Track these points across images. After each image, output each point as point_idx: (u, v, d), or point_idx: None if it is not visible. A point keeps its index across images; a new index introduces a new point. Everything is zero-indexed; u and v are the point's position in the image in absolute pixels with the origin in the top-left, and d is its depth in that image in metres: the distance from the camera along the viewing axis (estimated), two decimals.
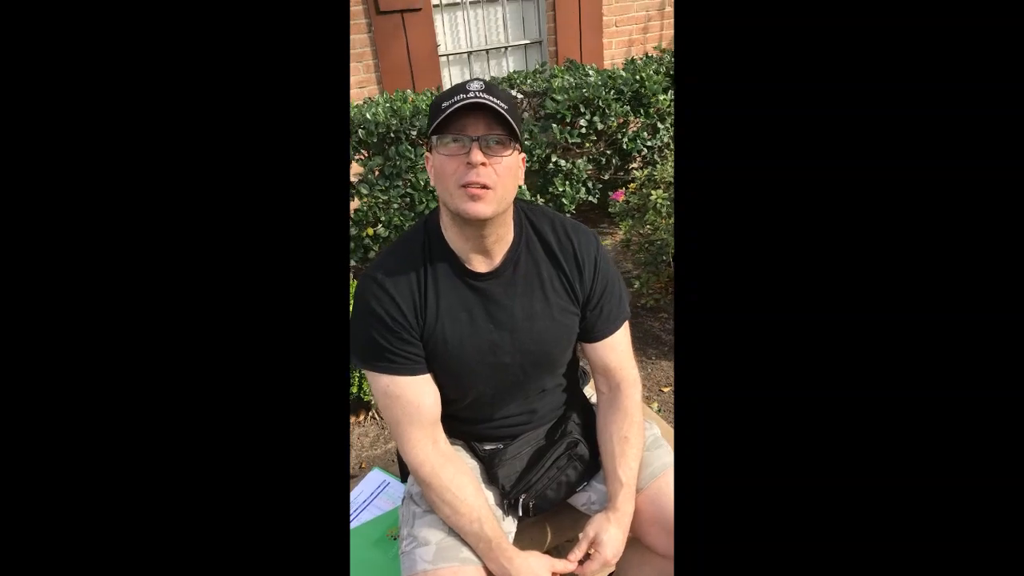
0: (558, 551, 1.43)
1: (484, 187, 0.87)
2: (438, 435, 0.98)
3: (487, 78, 2.99)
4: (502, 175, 0.88)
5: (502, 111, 0.85)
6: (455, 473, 0.96)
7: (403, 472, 1.21)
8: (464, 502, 0.94)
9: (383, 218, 2.20)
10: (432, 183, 0.93)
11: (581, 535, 0.98)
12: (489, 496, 1.05)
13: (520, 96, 2.83)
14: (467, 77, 3.62)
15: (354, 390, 1.85)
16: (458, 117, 0.85)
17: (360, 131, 2.09)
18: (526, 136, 2.47)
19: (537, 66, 3.20)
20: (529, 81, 2.81)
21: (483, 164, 0.86)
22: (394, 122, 2.13)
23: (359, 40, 3.15)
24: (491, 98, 0.87)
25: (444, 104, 0.87)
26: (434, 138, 0.88)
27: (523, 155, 0.94)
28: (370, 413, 2.02)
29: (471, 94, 0.86)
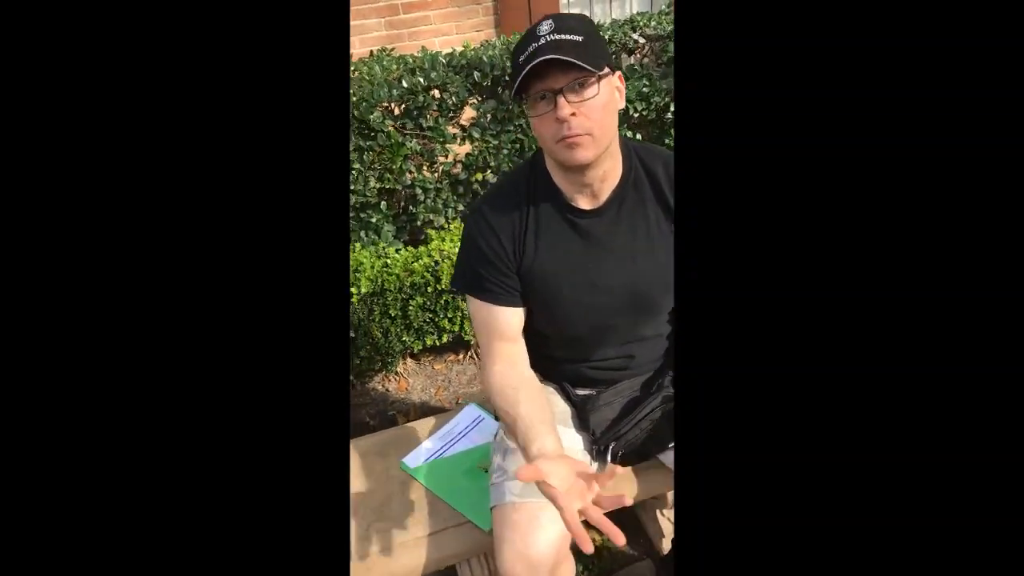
0: (645, 507, 1.43)
1: (582, 134, 0.84)
2: (517, 359, 0.99)
3: (608, 20, 2.85)
4: (596, 117, 0.84)
5: (576, 54, 0.80)
6: (527, 399, 0.91)
7: None
8: (521, 417, 0.89)
9: (492, 164, 2.21)
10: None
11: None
12: (579, 441, 1.06)
13: (642, 40, 2.68)
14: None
15: (455, 328, 1.92)
16: (536, 70, 0.82)
17: (476, 73, 2.08)
18: (644, 83, 2.34)
19: (664, 7, 3.01)
20: (653, 23, 2.65)
21: (573, 115, 0.83)
22: (509, 64, 2.10)
23: None
24: (563, 36, 0.82)
25: (521, 58, 0.85)
26: (522, 97, 0.86)
27: (618, 72, 0.89)
28: (468, 352, 2.09)
29: (542, 40, 0.83)
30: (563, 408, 1.09)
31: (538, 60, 0.81)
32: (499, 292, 0.96)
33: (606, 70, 0.85)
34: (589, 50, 0.83)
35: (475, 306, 0.99)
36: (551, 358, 1.06)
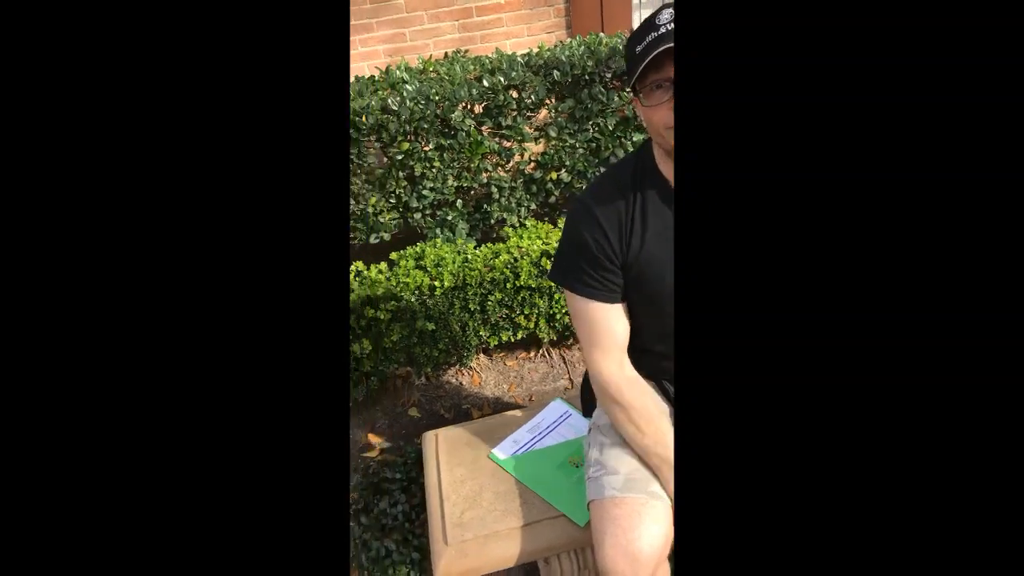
0: None
1: None
2: (624, 360, 1.01)
3: None
4: None
5: None
6: (640, 394, 0.99)
7: (584, 407, 1.25)
8: (649, 423, 0.97)
9: (567, 163, 2.21)
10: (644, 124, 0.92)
11: None
12: None
13: None
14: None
15: (531, 325, 1.92)
16: (655, 60, 0.82)
17: (555, 72, 2.09)
18: None
19: None
20: None
21: None
22: (590, 63, 2.10)
23: None
24: None
25: (638, 49, 0.84)
26: (637, 87, 0.86)
27: None
28: (540, 351, 2.09)
29: (662, 29, 0.82)
30: (663, 407, 1.08)
31: (661, 49, 0.81)
32: (600, 288, 0.96)
33: None
34: None
35: (575, 302, 0.99)
36: (652, 352, 1.05)
